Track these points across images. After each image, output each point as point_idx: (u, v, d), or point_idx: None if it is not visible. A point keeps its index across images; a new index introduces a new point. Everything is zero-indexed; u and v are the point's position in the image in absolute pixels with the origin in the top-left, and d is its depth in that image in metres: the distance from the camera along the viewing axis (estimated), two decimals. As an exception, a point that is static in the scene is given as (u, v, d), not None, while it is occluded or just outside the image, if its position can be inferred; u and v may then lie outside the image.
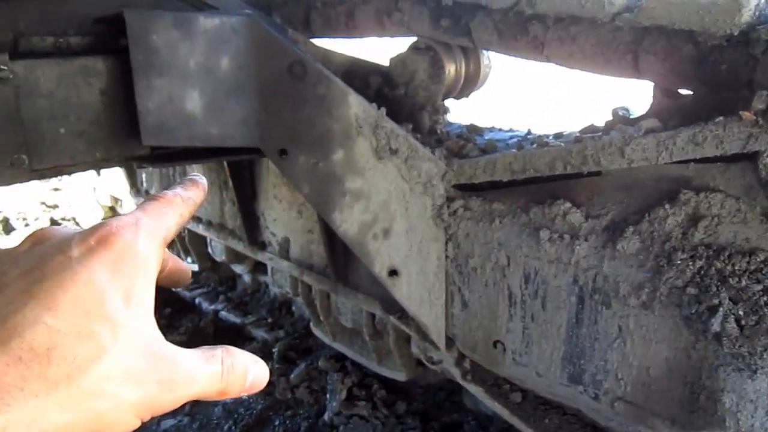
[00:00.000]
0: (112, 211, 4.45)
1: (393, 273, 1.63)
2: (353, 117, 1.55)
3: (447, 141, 1.83)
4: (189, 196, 0.70)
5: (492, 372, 1.69)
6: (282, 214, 2.47)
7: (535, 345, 1.49)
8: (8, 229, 4.48)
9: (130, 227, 0.57)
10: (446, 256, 1.63)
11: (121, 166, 3.12)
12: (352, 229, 1.60)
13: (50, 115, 1.36)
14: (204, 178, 0.75)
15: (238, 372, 0.60)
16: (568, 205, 1.39)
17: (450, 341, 1.72)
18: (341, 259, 2.21)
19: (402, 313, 1.94)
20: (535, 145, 1.57)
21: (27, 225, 4.46)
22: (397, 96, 1.96)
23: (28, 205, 4.62)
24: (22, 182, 1.35)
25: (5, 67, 1.27)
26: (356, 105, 1.54)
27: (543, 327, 1.45)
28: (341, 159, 1.56)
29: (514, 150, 1.56)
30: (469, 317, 1.62)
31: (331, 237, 2.14)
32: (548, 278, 1.41)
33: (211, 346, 0.61)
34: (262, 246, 2.63)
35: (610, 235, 1.31)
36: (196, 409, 2.50)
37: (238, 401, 2.48)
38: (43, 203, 4.67)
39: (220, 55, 1.47)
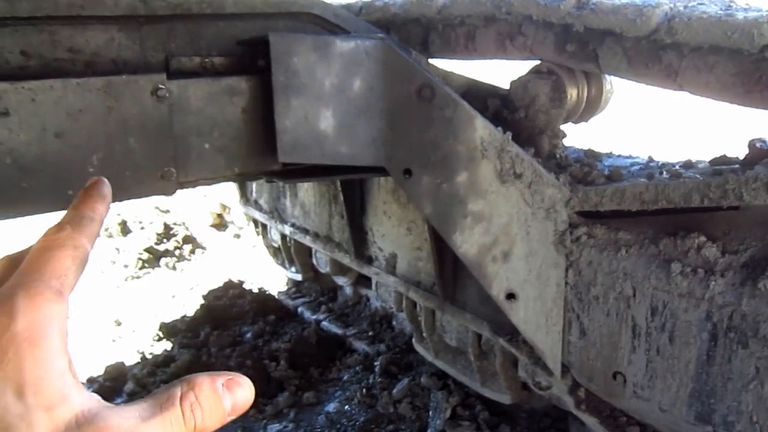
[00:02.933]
0: (220, 218, 4.65)
1: (510, 296, 1.63)
2: (479, 140, 1.56)
3: (567, 166, 1.82)
4: (83, 221, 0.62)
5: (608, 403, 1.65)
6: (391, 230, 2.51)
7: (660, 379, 1.44)
8: (126, 231, 4.77)
9: (1, 306, 0.52)
10: (566, 283, 1.61)
11: (252, 180, 3.26)
12: (471, 250, 1.61)
13: (198, 131, 1.45)
14: (106, 182, 0.68)
15: (208, 404, 0.55)
16: (702, 238, 1.35)
17: (565, 368, 1.69)
18: (450, 278, 2.22)
19: (512, 336, 1.93)
20: (667, 175, 1.54)
21: (143, 228, 4.73)
22: (516, 119, 1.96)
23: (143, 209, 4.90)
24: (168, 194, 1.45)
25: (163, 86, 1.37)
26: (482, 128, 1.56)
27: (669, 361, 1.41)
28: (465, 181, 1.58)
29: (642, 179, 1.53)
30: (588, 346, 1.60)
31: (441, 255, 2.17)
32: (678, 312, 1.37)
33: (170, 384, 0.55)
34: (369, 260, 2.68)
35: (750, 273, 1.26)
36: (300, 415, 2.57)
37: (341, 412, 2.53)
38: (157, 207, 4.94)
39: (353, 76, 1.53)
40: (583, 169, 1.69)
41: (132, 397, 2.81)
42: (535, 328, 1.66)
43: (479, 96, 2.05)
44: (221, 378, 0.56)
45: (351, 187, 2.61)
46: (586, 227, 1.56)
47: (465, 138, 1.56)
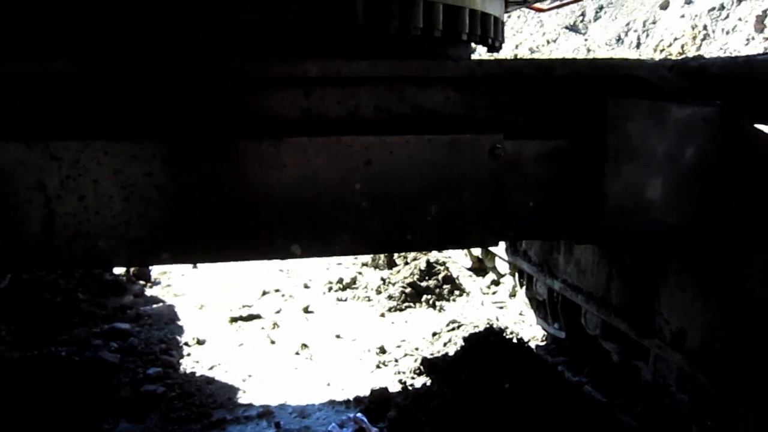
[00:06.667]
0: (480, 263, 4.73)
1: None
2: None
3: None
4: None
5: None
6: (683, 303, 2.34)
7: None
8: (392, 264, 5.07)
9: None
10: None
11: (564, 240, 3.12)
12: (809, 345, 1.43)
13: (524, 189, 1.50)
14: None
15: None
16: None
17: None
18: (762, 372, 2.00)
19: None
20: None
21: (407, 263, 4.98)
22: None
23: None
24: (491, 246, 1.50)
25: (500, 145, 1.43)
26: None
27: None
28: (809, 267, 1.42)
29: None
30: None
31: (747, 341, 1.96)
32: None
33: None
34: (650, 331, 2.52)
35: None
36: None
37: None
38: (421, 245, 5.17)
39: (686, 144, 1.47)
40: None
41: (394, 424, 2.94)
42: None
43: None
44: None
45: (639, 251, 2.49)
46: None
47: (815, 219, 1.41)
